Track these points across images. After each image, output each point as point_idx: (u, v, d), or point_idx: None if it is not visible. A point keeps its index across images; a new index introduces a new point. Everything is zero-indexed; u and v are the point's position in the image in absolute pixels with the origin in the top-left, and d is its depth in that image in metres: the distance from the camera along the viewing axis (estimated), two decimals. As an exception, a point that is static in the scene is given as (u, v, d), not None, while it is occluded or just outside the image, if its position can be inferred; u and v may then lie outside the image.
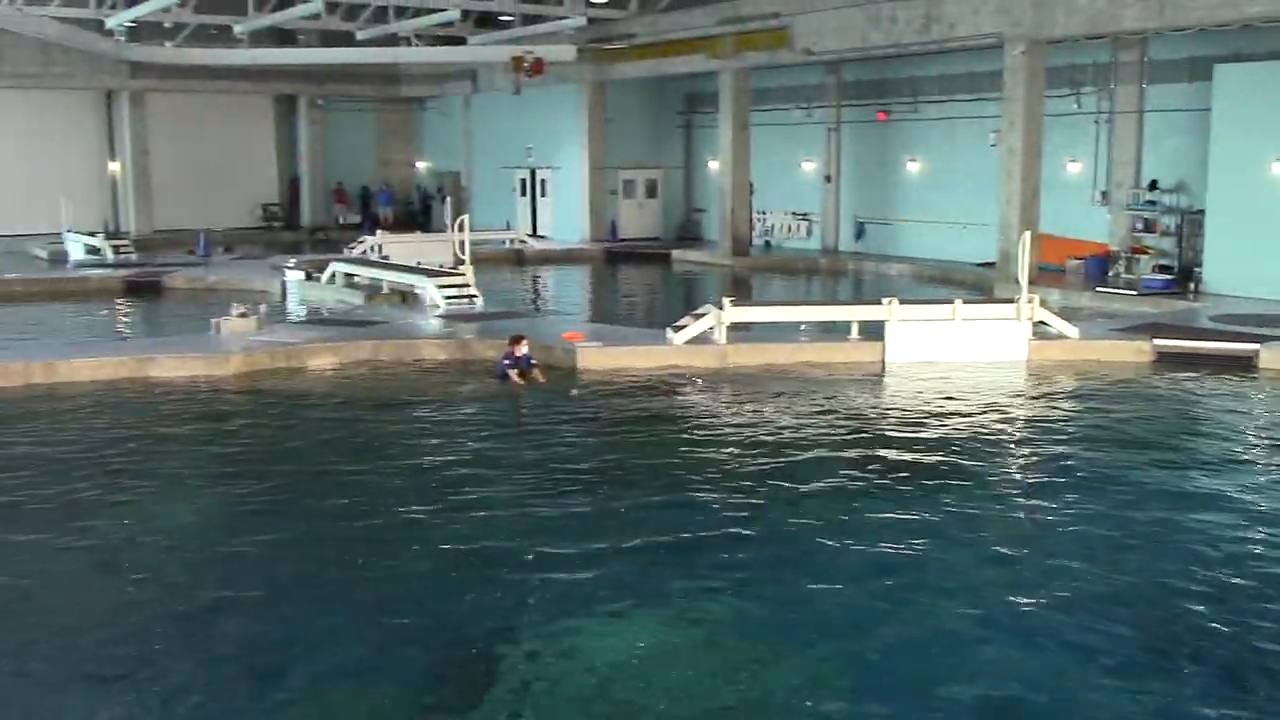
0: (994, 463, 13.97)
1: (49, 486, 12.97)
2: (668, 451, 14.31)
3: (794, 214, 40.74)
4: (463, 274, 26.05)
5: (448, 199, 41.55)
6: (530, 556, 10.62)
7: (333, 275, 28.89)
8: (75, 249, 37.09)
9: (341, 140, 52.59)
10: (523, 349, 18.06)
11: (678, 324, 20.77)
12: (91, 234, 38.47)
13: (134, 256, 36.87)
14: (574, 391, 17.66)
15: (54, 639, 9.02)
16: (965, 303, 20.81)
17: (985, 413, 16.46)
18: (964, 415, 16.26)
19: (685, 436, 15.09)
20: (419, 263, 29.49)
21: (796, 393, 17.72)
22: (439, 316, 23.73)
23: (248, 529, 11.44)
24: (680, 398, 17.47)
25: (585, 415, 16.31)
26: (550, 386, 17.92)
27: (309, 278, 29.14)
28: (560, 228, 45.27)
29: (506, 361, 17.91)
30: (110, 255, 36.11)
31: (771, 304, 25.22)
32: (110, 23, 40.43)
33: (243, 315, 21.77)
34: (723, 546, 10.92)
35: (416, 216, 52.66)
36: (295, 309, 26.57)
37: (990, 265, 31.05)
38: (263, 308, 23.45)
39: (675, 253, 39.17)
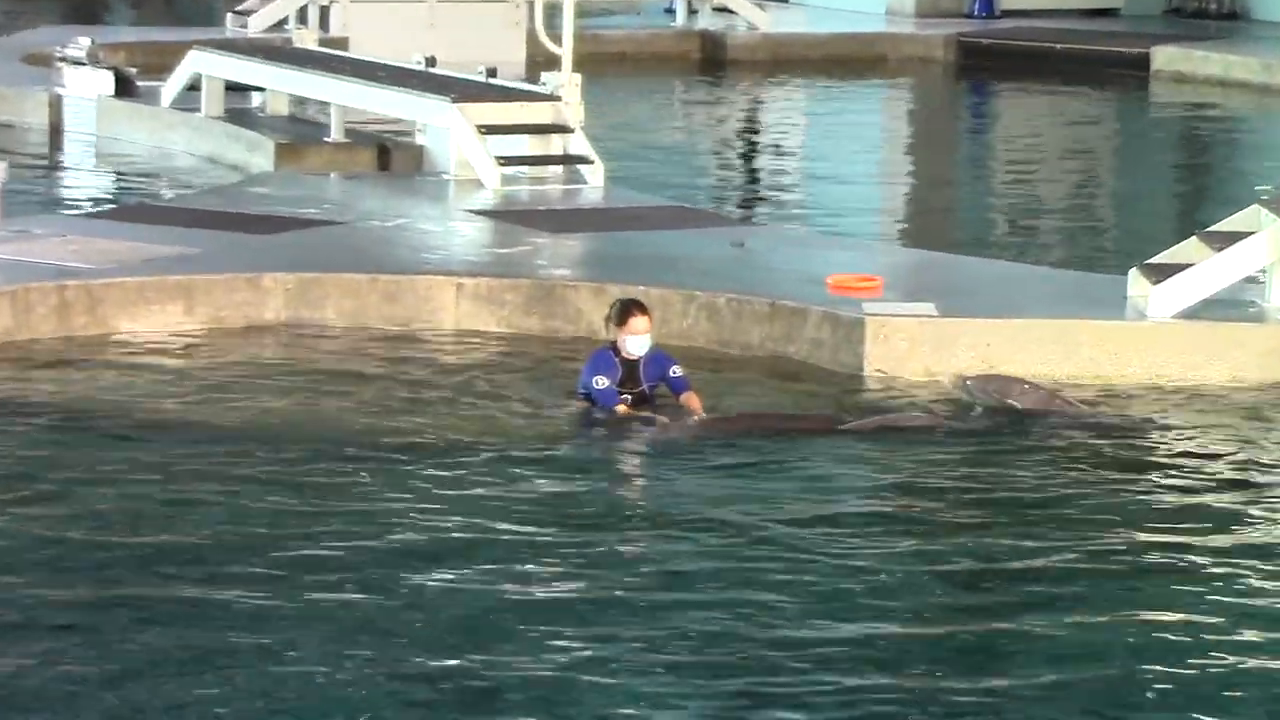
0: None
1: None
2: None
3: None
4: (554, 95, 15.71)
5: None
6: None
7: (193, 85, 18.26)
8: None
9: None
10: (642, 339, 10.45)
11: (1155, 261, 12.10)
12: None
13: None
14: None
15: None
16: None
17: None
18: None
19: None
20: (428, 60, 17.32)
21: None
22: (478, 212, 14.65)
23: None
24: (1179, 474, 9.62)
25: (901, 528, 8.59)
26: (756, 430, 10.10)
27: (123, 88, 18.73)
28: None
29: (601, 378, 10.29)
30: None
31: None
32: None
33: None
34: None
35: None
36: (88, 173, 18.28)
37: None
38: (-1, 167, 14.72)
39: (1161, 52, 23.96)
